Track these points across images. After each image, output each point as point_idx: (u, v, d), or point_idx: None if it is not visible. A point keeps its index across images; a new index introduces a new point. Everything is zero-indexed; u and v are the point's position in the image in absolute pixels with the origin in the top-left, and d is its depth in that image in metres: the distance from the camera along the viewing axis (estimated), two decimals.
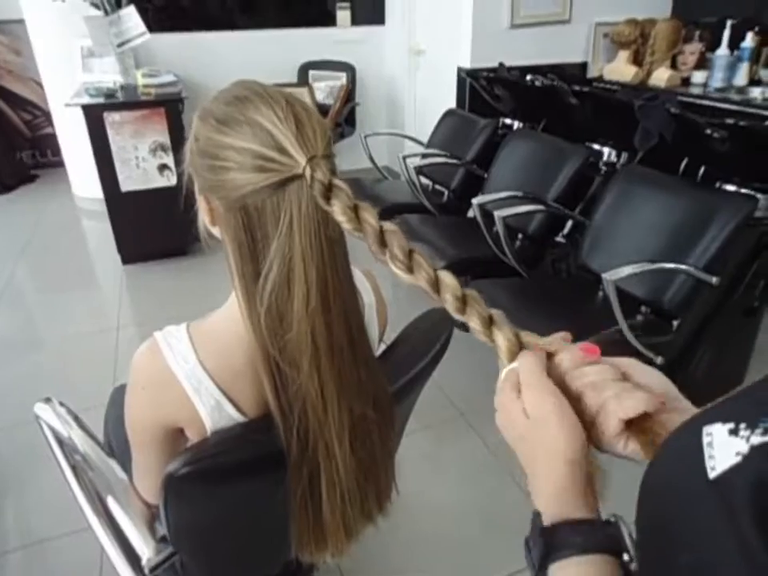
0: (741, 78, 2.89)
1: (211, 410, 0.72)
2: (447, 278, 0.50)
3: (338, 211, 0.55)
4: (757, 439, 0.30)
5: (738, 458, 0.30)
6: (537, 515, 0.42)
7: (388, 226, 0.53)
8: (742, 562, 0.28)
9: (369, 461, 0.79)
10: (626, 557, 0.38)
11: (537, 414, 0.44)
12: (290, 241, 0.62)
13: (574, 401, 0.45)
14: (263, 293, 0.65)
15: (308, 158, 0.60)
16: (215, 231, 0.72)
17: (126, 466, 0.89)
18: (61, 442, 0.99)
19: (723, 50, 2.90)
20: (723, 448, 0.31)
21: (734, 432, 0.31)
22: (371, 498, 0.82)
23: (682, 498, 0.33)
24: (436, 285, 0.50)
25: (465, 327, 0.52)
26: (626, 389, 0.44)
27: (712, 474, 0.31)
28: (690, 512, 0.32)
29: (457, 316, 0.50)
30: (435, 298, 0.51)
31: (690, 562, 0.32)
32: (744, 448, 0.30)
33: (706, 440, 0.32)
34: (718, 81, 2.93)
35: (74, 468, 0.99)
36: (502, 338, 0.48)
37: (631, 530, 0.39)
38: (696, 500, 0.32)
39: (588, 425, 0.45)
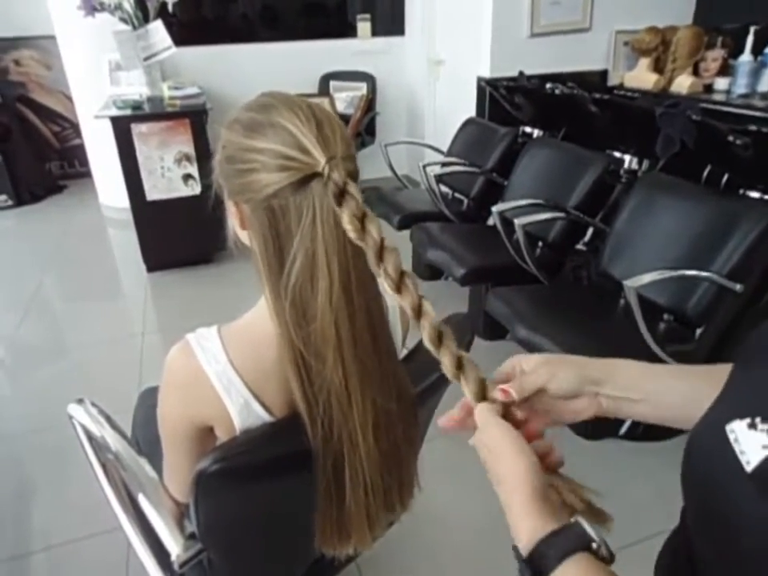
0: (765, 83, 2.86)
1: (240, 409, 0.74)
2: (429, 308, 0.54)
3: (346, 219, 0.59)
4: None
5: (766, 452, 0.34)
6: (514, 548, 0.44)
7: (389, 243, 0.57)
8: None
9: (392, 454, 0.80)
10: (593, 545, 0.41)
11: (494, 448, 0.48)
12: (313, 235, 0.65)
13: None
14: (287, 285, 0.67)
15: (327, 157, 0.63)
16: (243, 236, 0.74)
17: (155, 465, 0.91)
18: (92, 440, 1.02)
19: (746, 56, 2.88)
20: (749, 442, 0.35)
21: (752, 426, 0.36)
22: (394, 491, 0.83)
23: (727, 491, 0.37)
24: (418, 311, 0.54)
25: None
26: None
27: (749, 468, 0.35)
28: (737, 504, 0.36)
29: (430, 347, 0.53)
30: (414, 324, 0.55)
31: (749, 547, 0.35)
32: (767, 440, 0.34)
33: (731, 437, 0.37)
34: (741, 87, 2.90)
35: (104, 466, 1.02)
36: (470, 385, 0.53)
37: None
38: (741, 492, 0.36)
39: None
